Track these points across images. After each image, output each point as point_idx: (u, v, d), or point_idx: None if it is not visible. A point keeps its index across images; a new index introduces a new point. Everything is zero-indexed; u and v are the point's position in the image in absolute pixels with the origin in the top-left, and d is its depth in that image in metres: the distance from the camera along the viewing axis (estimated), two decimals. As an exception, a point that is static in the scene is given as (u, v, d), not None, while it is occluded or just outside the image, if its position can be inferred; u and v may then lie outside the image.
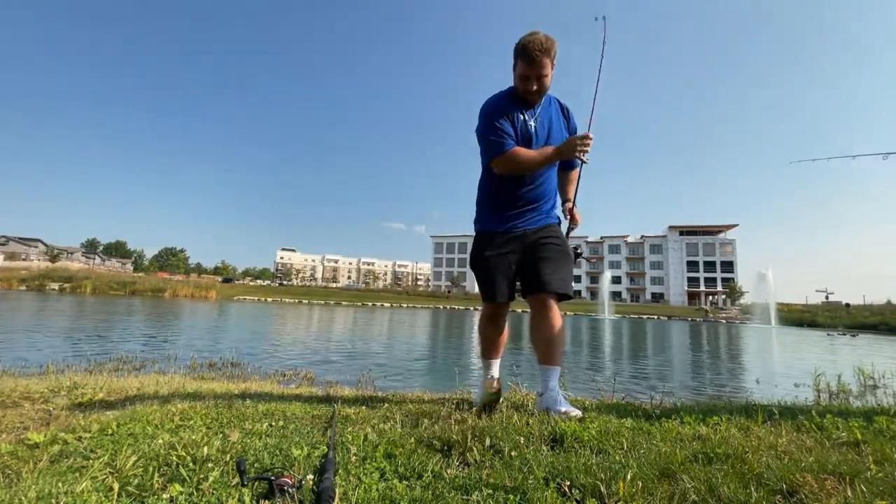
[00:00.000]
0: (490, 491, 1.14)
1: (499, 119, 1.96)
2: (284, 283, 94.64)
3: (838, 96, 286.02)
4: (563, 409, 1.90)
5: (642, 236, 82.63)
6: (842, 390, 5.72)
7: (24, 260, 64.42)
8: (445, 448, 1.47)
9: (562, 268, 2.03)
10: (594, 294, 72.43)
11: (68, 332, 11.50)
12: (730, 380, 8.54)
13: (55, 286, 45.22)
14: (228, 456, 1.35)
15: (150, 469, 1.25)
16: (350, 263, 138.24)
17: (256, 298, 51.69)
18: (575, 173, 2.26)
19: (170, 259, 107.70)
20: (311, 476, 1.21)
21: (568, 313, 47.11)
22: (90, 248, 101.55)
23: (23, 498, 1.06)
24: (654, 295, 78.75)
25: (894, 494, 1.09)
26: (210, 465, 1.27)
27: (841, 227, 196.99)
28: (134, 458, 1.29)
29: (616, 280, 79.36)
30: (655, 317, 48.95)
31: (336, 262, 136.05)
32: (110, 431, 1.65)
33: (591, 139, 1.90)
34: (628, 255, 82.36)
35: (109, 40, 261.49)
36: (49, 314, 17.29)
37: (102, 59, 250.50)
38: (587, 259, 2.52)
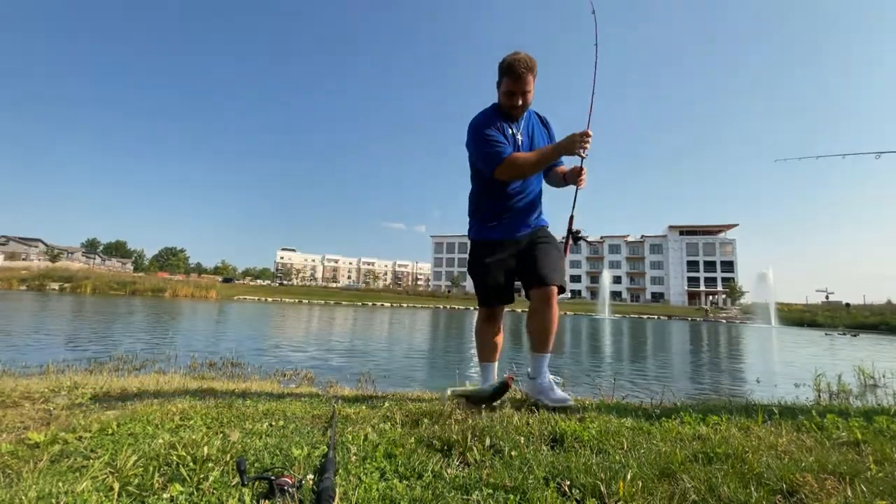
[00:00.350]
0: (490, 491, 1.14)
1: (491, 130, 2.08)
2: (284, 282, 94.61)
3: (843, 95, 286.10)
4: (557, 396, 2.08)
5: (642, 236, 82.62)
6: (842, 390, 5.71)
7: (24, 260, 64.44)
8: (445, 448, 1.47)
9: (558, 263, 2.20)
10: (594, 294, 72.43)
11: (68, 331, 11.51)
12: (730, 380, 8.54)
13: (55, 286, 45.23)
14: (228, 456, 1.35)
15: (151, 469, 1.24)
16: (350, 263, 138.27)
17: (256, 298, 51.70)
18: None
19: (170, 259, 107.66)
20: (311, 476, 1.21)
21: (568, 313, 47.13)
22: (90, 248, 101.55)
23: (23, 498, 1.06)
24: (654, 295, 78.74)
25: (894, 494, 1.09)
26: (210, 464, 1.27)
27: (841, 227, 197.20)
28: (134, 458, 1.29)
29: (616, 280, 79.35)
30: (655, 317, 48.93)
31: (336, 261, 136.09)
32: (110, 431, 1.65)
33: (590, 136, 1.96)
34: (628, 255, 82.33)
35: (109, 41, 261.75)
36: (49, 314, 17.30)
37: (102, 59, 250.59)
38: (588, 243, 2.61)
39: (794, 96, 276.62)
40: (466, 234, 2.36)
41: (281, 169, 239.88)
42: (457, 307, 52.03)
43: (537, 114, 2.29)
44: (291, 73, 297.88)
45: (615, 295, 73.91)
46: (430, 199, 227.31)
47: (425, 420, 1.79)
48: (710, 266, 75.91)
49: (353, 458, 1.34)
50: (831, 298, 57.80)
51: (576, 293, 79.02)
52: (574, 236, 2.25)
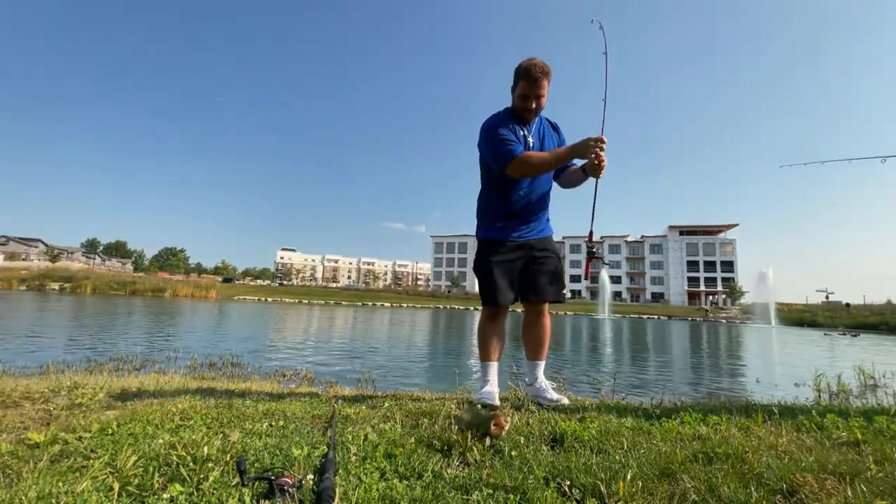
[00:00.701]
0: (490, 491, 1.14)
1: (503, 130, 2.13)
2: (284, 282, 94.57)
3: (843, 95, 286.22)
4: (553, 397, 2.23)
5: (642, 236, 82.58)
6: (842, 390, 5.71)
7: (24, 260, 64.47)
8: (445, 448, 1.47)
9: (558, 279, 2.31)
10: (594, 294, 72.28)
11: (69, 331, 11.50)
12: (730, 380, 8.54)
13: (55, 286, 45.23)
14: (228, 456, 1.35)
15: (151, 469, 1.24)
16: (350, 263, 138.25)
17: (256, 298, 51.69)
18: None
19: (170, 259, 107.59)
20: (311, 476, 1.21)
21: (568, 313, 47.05)
22: (90, 248, 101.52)
23: (23, 498, 1.06)
24: (654, 295, 78.69)
25: (894, 494, 1.09)
26: (210, 464, 1.27)
27: (841, 227, 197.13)
28: (134, 458, 1.29)
29: (616, 280, 79.21)
30: (655, 317, 48.89)
31: (336, 261, 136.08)
32: (110, 431, 1.65)
33: (605, 141, 1.97)
34: (628, 255, 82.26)
35: (109, 41, 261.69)
36: (49, 314, 17.30)
37: (102, 59, 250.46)
38: (605, 262, 2.66)
39: (794, 96, 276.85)
40: (474, 234, 2.40)
41: (281, 169, 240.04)
42: (457, 307, 51.98)
43: (548, 119, 2.33)
44: (291, 73, 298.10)
45: (615, 295, 73.70)
46: (431, 200, 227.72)
47: (425, 420, 1.79)
48: (710, 266, 75.88)
49: (353, 458, 1.34)
50: (831, 298, 57.79)
51: (576, 293, 78.90)
52: (593, 255, 2.40)
